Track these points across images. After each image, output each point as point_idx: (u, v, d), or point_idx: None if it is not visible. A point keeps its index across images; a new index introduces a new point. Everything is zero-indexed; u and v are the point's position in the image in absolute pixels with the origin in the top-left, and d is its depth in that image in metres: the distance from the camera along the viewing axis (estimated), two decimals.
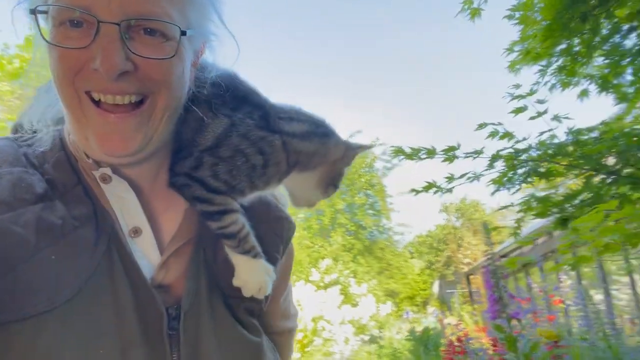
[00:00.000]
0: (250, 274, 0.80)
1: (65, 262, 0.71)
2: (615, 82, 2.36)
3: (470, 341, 4.59)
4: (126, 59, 0.68)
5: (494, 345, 3.87)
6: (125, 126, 0.72)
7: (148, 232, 0.80)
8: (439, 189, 2.35)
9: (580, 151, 2.02)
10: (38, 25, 0.70)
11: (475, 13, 2.28)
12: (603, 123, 2.22)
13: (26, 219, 0.70)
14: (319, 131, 0.87)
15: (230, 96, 0.84)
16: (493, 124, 2.25)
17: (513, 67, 2.60)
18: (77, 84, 0.70)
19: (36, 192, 0.73)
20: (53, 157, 0.80)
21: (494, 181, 2.37)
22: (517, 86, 2.22)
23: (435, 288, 23.47)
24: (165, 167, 0.84)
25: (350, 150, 0.89)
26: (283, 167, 0.84)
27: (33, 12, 0.69)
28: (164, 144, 0.81)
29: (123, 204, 0.79)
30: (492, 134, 2.28)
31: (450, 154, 2.18)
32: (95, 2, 0.66)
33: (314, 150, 0.85)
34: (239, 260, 0.80)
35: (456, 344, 4.36)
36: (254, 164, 0.80)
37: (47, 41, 0.69)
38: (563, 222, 2.32)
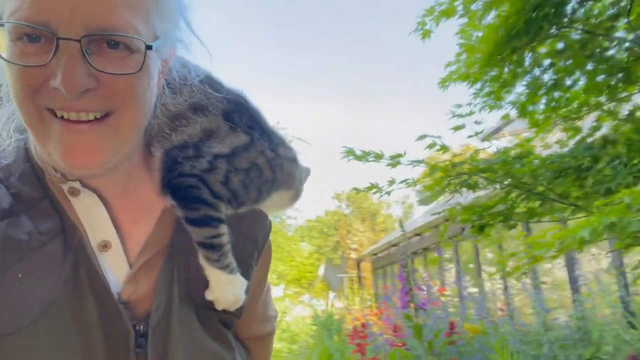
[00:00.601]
0: (225, 289, 0.80)
1: (32, 280, 0.68)
2: (531, 109, 2.73)
3: (370, 327, 4.94)
4: (88, 75, 0.64)
5: (395, 331, 4.24)
6: (90, 139, 0.68)
7: (117, 246, 0.77)
8: (379, 190, 2.56)
9: (504, 170, 2.34)
10: None
11: (426, 34, 2.49)
12: (520, 145, 2.57)
13: None
14: (298, 158, 0.95)
15: (246, 115, 0.86)
16: (432, 136, 2.49)
17: (443, 84, 2.88)
18: (37, 101, 0.66)
19: (1, 207, 0.70)
20: (18, 169, 0.77)
21: (425, 188, 2.65)
22: (459, 106, 2.48)
23: (321, 271, 24.40)
24: (135, 177, 0.82)
25: (309, 173, 1.00)
26: (280, 185, 0.91)
27: None
28: (132, 154, 0.79)
29: (91, 217, 0.76)
30: (430, 146, 2.52)
31: (395, 160, 2.39)
32: (54, 17, 0.61)
33: (296, 174, 0.94)
34: (213, 275, 0.79)
35: (360, 329, 4.67)
36: (266, 178, 0.85)
37: (3, 58, 0.65)
38: (480, 229, 2.66)
